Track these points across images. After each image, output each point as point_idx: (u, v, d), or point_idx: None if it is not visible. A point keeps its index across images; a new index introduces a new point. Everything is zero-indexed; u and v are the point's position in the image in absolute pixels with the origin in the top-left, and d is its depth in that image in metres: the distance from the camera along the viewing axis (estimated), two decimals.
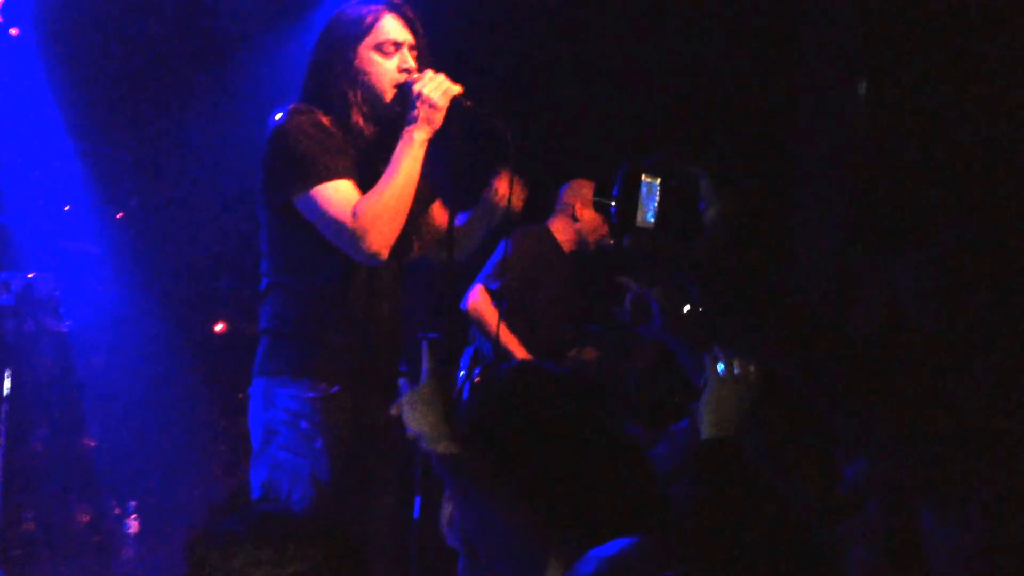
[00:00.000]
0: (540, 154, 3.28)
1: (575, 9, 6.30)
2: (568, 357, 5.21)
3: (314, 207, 2.92)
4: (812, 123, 5.52)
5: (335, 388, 2.97)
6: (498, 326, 4.97)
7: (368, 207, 2.90)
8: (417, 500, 3.17)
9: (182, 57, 7.06)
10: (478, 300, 5.04)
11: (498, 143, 3.04)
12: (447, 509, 2.31)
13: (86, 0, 6.69)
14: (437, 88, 2.93)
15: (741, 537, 2.12)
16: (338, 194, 2.92)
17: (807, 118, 5.55)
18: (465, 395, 5.09)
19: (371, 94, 3.03)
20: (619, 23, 6.26)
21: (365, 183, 2.99)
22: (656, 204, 1.60)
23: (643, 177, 1.61)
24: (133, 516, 5.78)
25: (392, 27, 3.06)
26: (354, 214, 2.89)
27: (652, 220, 1.60)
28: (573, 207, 5.31)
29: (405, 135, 2.94)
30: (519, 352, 4.98)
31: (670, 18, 6.10)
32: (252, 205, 3.11)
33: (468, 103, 2.99)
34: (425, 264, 3.40)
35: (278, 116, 3.03)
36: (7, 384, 4.87)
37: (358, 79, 3.02)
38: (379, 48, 3.03)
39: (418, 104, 2.93)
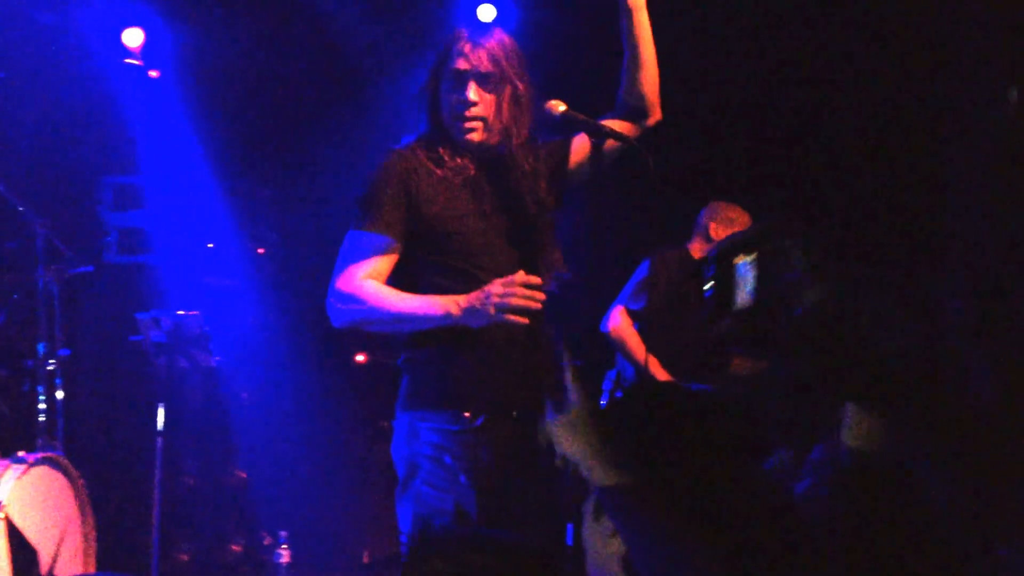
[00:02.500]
0: (681, 177, 3.19)
1: (704, 25, 6.23)
2: (716, 375, 5.10)
3: (343, 245, 2.99)
4: (963, 130, 5.36)
5: (478, 421, 2.93)
6: (639, 348, 4.89)
7: (358, 294, 2.92)
8: (569, 528, 3.08)
9: (318, 93, 7.20)
10: (619, 322, 4.99)
11: (639, 166, 2.98)
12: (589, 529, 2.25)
13: (222, 41, 6.88)
14: (487, 302, 2.83)
15: (888, 552, 2.02)
16: (358, 246, 2.96)
17: (958, 125, 5.39)
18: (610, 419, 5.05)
19: (444, 122, 3.04)
20: (753, 35, 6.16)
21: (454, 210, 2.97)
22: (753, 283, 1.50)
23: (738, 257, 1.51)
24: (284, 546, 5.85)
25: (459, 57, 3.02)
26: (350, 282, 2.93)
27: (750, 299, 1.50)
28: (708, 228, 5.23)
29: (448, 301, 2.88)
30: (661, 374, 4.90)
31: (815, 29, 5.99)
32: None
33: (608, 134, 2.95)
34: (565, 289, 3.34)
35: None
36: (161, 419, 4.98)
37: (436, 109, 3.06)
38: (447, 80, 3.02)
39: (469, 303, 2.85)
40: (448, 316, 2.86)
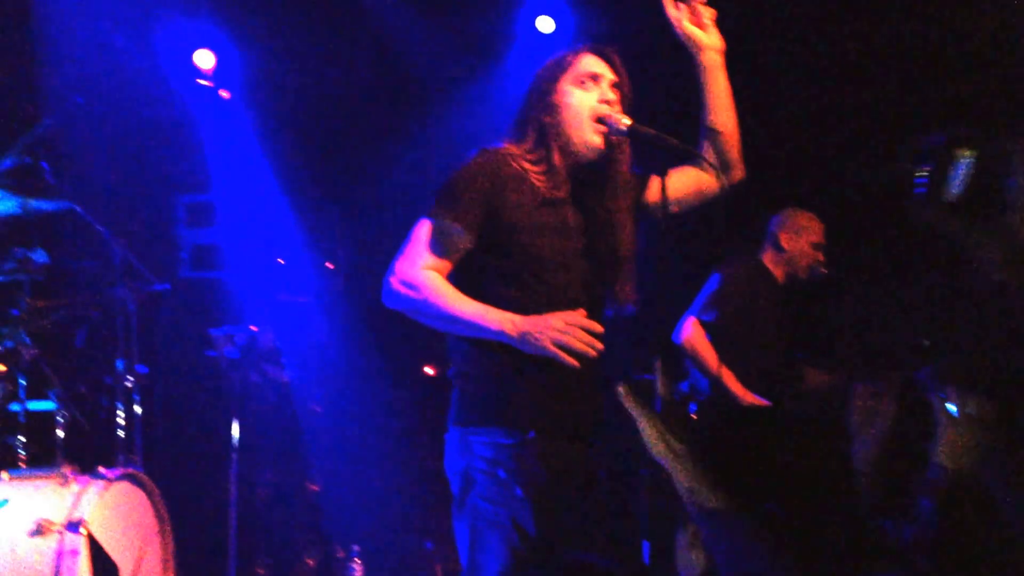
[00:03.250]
0: (750, 187, 3.15)
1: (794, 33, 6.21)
2: (790, 389, 5.05)
3: (412, 229, 2.96)
4: None
5: (530, 434, 2.90)
6: (713, 360, 4.85)
7: (417, 282, 2.89)
8: (646, 545, 3.07)
9: (382, 109, 7.26)
10: (691, 334, 4.94)
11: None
12: (683, 542, 2.23)
13: (288, 60, 6.98)
14: (544, 332, 2.81)
15: (980, 567, 1.99)
16: (428, 233, 2.92)
17: None
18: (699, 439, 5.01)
19: (568, 124, 3.01)
20: (821, 36, 6.11)
21: (536, 222, 2.96)
22: (965, 179, 1.47)
23: (959, 151, 1.48)
24: (357, 560, 5.89)
25: (591, 62, 3.06)
26: (412, 267, 2.90)
27: (957, 194, 1.47)
28: (779, 237, 5.18)
29: (505, 318, 2.85)
30: (735, 386, 4.85)
31: (878, 30, 5.93)
32: None
33: (675, 148, 2.93)
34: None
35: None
36: (236, 434, 5.04)
37: (556, 111, 3.02)
38: (577, 81, 3.04)
39: (526, 327, 2.83)
40: (501, 333, 2.83)
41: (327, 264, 7.12)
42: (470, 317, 2.85)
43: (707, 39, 3.09)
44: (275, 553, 6.10)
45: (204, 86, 6.60)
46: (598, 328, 2.79)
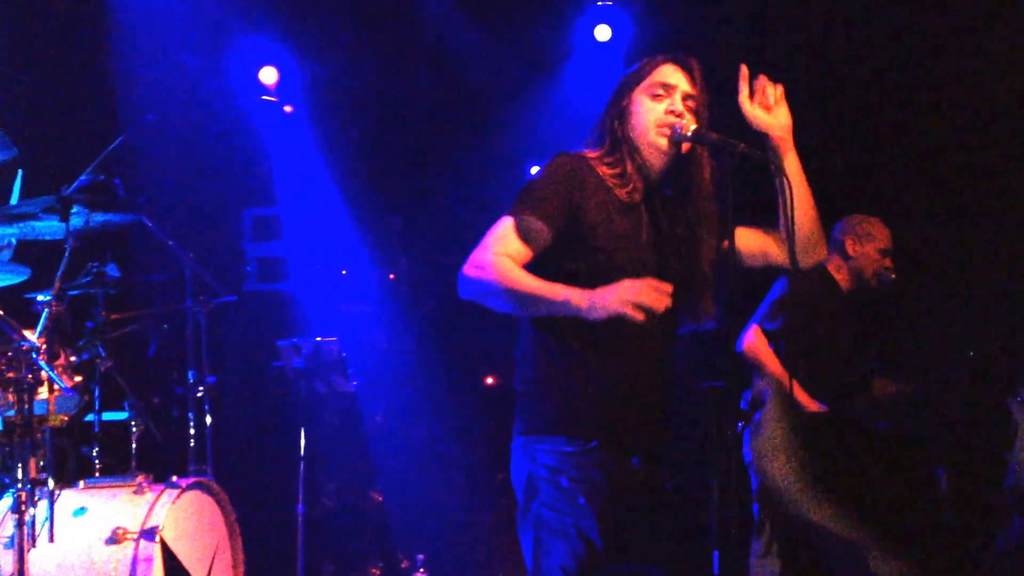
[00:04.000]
0: (818, 192, 3.14)
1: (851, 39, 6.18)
2: (857, 398, 5.01)
3: (491, 227, 2.95)
4: None
5: (592, 443, 2.92)
6: (777, 369, 4.83)
7: (489, 263, 2.87)
8: (715, 555, 3.07)
9: (442, 121, 7.32)
10: (754, 342, 4.92)
11: (775, 184, 2.95)
12: (758, 551, 2.24)
13: (349, 75, 7.07)
14: (611, 296, 2.77)
15: None
16: (507, 227, 2.92)
17: None
18: (746, 440, 5.00)
19: (636, 133, 3.03)
20: (892, 44, 6.08)
21: (614, 230, 2.96)
22: None
23: None
24: (421, 570, 5.94)
25: (666, 73, 3.06)
26: (486, 253, 2.89)
27: None
28: (844, 244, 5.13)
29: (573, 290, 2.83)
30: (799, 395, 4.82)
31: (950, 37, 5.89)
32: None
33: (741, 153, 2.90)
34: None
35: (534, 170, 3.06)
36: (303, 443, 5.11)
37: (627, 120, 3.04)
38: (650, 91, 3.05)
39: (594, 296, 2.79)
40: (568, 304, 2.79)
41: (390, 275, 7.19)
42: (539, 291, 2.83)
43: (773, 120, 3.02)
44: (340, 562, 6.17)
45: (268, 102, 6.72)
46: (667, 288, 2.75)
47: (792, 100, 3.10)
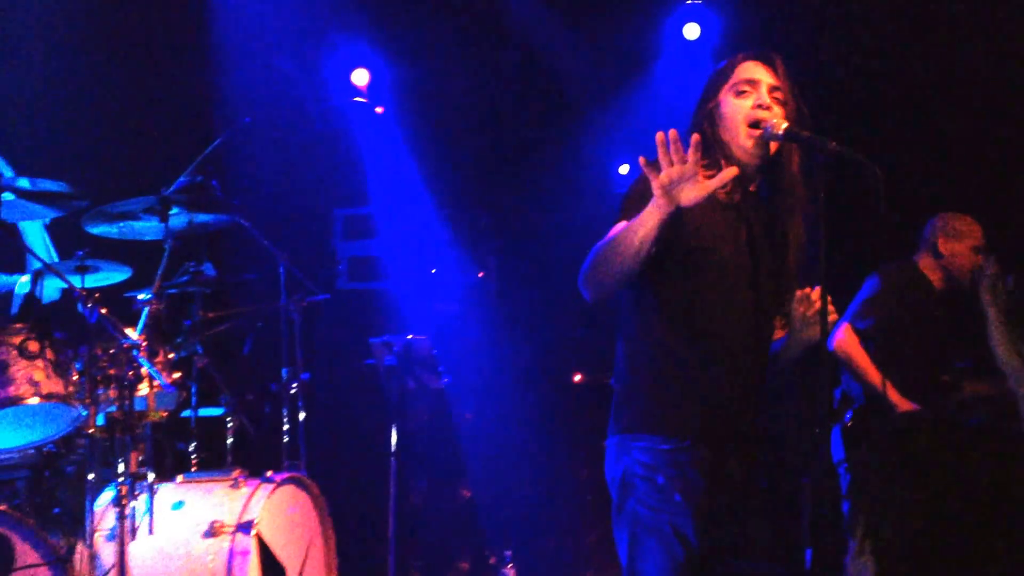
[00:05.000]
0: (903, 189, 3.10)
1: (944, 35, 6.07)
2: (948, 398, 4.92)
3: None
4: None
5: (687, 442, 2.92)
6: (868, 367, 4.77)
7: (590, 255, 2.86)
8: (808, 553, 3.05)
9: (531, 120, 7.35)
10: (844, 340, 4.87)
11: (866, 184, 2.91)
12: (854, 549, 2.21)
13: (439, 75, 7.14)
14: (655, 190, 2.73)
15: None
16: (614, 234, 2.90)
17: None
18: (836, 439, 4.95)
19: (726, 132, 3.01)
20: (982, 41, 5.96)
21: (714, 230, 2.95)
22: None
23: None
24: (510, 565, 5.97)
25: (749, 69, 3.04)
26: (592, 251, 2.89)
27: None
28: (935, 242, 5.05)
29: (651, 204, 2.78)
30: (891, 393, 4.76)
31: None
32: None
33: (836, 152, 2.86)
34: None
35: (623, 169, 3.04)
36: (394, 439, 5.18)
37: (716, 120, 3.03)
38: (735, 89, 3.03)
39: (659, 190, 2.73)
40: (654, 209, 2.74)
41: (478, 273, 7.24)
42: (630, 224, 2.80)
43: (805, 330, 2.99)
44: (429, 557, 6.23)
45: (360, 103, 6.82)
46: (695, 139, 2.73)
47: (885, 96, 3.06)
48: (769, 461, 3.15)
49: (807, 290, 2.94)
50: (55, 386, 3.91)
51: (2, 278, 4.92)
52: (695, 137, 2.72)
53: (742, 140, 2.98)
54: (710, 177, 2.93)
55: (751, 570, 2.99)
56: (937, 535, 4.35)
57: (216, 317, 4.98)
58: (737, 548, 2.97)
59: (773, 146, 2.99)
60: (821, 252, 2.86)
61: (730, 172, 2.78)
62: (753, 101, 2.99)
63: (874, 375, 4.79)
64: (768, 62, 3.04)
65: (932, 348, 5.00)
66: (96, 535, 4.09)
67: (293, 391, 5.05)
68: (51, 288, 4.91)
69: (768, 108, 2.97)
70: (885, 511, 4.69)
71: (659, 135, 2.70)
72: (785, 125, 2.93)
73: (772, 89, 3.01)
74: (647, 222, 2.74)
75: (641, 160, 2.72)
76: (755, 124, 2.96)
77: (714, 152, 2.99)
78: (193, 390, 4.84)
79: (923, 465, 4.69)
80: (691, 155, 2.69)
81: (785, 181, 3.04)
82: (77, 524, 4.12)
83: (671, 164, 2.69)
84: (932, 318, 5.01)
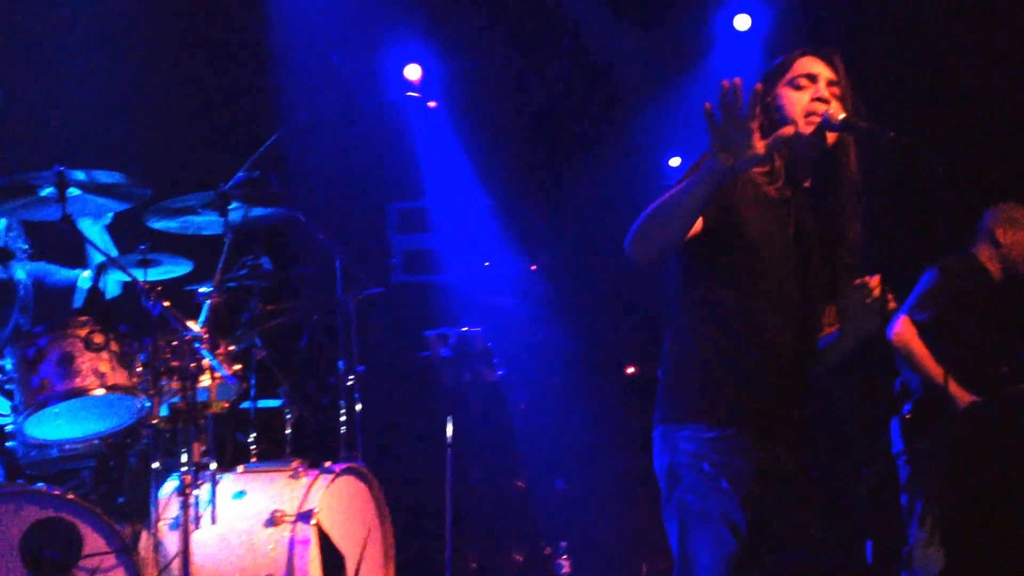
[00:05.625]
0: (959, 182, 3.07)
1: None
2: (1008, 390, 4.87)
3: None
4: None
5: (731, 430, 2.91)
6: (928, 359, 4.74)
7: (639, 218, 2.80)
8: (868, 545, 3.04)
9: (583, 111, 7.36)
10: (903, 332, 4.84)
11: (923, 175, 2.90)
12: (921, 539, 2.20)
13: (490, 68, 7.17)
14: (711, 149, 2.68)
15: None
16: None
17: None
18: (895, 430, 4.92)
19: (783, 126, 3.01)
20: None
21: (765, 226, 2.94)
22: None
23: None
24: (564, 556, 5.99)
25: (807, 63, 3.03)
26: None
27: None
28: (994, 232, 5.00)
29: (707, 164, 2.73)
30: (952, 387, 4.71)
31: None
32: None
33: (895, 140, 2.84)
34: None
35: (674, 161, 3.03)
36: (450, 431, 5.22)
37: (774, 116, 3.02)
38: (792, 83, 3.02)
39: (713, 149, 2.67)
40: (709, 168, 2.69)
41: (531, 266, 7.27)
42: (686, 182, 2.76)
43: (862, 320, 2.99)
44: (484, 548, 6.27)
45: (413, 98, 6.87)
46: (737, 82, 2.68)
47: (940, 88, 3.04)
48: (823, 452, 3.14)
49: (866, 279, 2.93)
50: (120, 377, 3.99)
51: (64, 272, 5.03)
52: (757, 86, 2.69)
53: (801, 129, 2.96)
54: (764, 175, 2.94)
55: (806, 560, 2.98)
56: (1002, 527, 4.31)
57: (274, 310, 5.04)
58: (790, 538, 2.96)
59: (830, 139, 2.99)
60: (877, 242, 2.86)
61: (787, 130, 2.76)
62: (811, 94, 2.98)
63: (934, 368, 4.76)
64: (826, 57, 3.03)
65: (992, 339, 4.95)
66: (160, 523, 4.18)
67: (350, 383, 5.10)
68: (112, 283, 5.02)
69: (827, 102, 2.96)
70: (951, 503, 4.66)
71: (724, 82, 2.65)
72: (843, 115, 2.92)
73: (830, 83, 3.00)
74: (702, 182, 2.71)
75: (706, 106, 2.70)
76: (812, 115, 2.94)
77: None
78: (252, 382, 4.92)
79: (986, 457, 4.66)
80: (750, 107, 2.64)
81: (841, 175, 3.03)
82: (141, 513, 4.21)
83: (730, 114, 2.64)
84: (992, 309, 4.97)
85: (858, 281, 2.93)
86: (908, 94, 6.11)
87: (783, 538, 2.95)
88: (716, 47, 7.14)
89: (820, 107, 2.95)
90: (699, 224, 2.89)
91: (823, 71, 3.01)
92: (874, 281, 2.90)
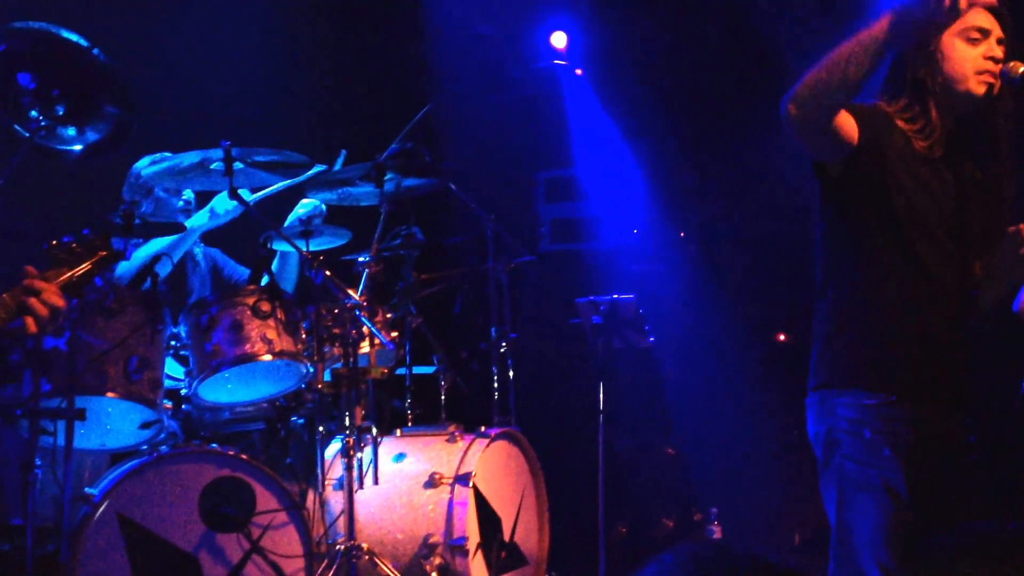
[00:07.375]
0: None
1: None
2: None
3: None
4: None
5: (892, 396, 2.84)
6: None
7: (802, 75, 2.69)
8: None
9: (735, 76, 7.25)
10: None
11: None
12: None
13: (639, 32, 7.12)
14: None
15: None
16: None
17: None
18: None
19: (951, 80, 2.90)
20: None
21: (927, 184, 2.87)
22: None
23: None
24: (715, 523, 5.98)
25: (981, 17, 2.92)
26: None
27: None
28: None
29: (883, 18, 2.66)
30: None
31: None
32: (809, 214, 3.09)
33: None
34: None
35: None
36: (601, 397, 5.26)
37: (937, 65, 2.93)
38: (965, 35, 2.93)
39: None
40: (884, 24, 2.64)
41: (680, 233, 7.24)
42: (856, 36, 2.68)
43: (1015, 270, 2.94)
44: (635, 513, 6.29)
45: (560, 66, 6.89)
46: None
47: None
48: (982, 416, 3.06)
49: (1021, 226, 2.85)
50: (286, 344, 4.15)
51: (239, 269, 5.15)
52: None
53: (970, 88, 2.88)
54: (918, 132, 2.87)
55: (971, 529, 2.92)
56: None
57: (427, 279, 5.16)
58: (955, 507, 2.91)
59: (994, 89, 2.90)
60: None
61: None
62: (983, 51, 2.88)
63: None
64: (997, 15, 2.93)
65: None
66: (326, 483, 4.35)
67: (502, 350, 5.19)
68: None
69: (999, 61, 2.87)
70: None
71: None
72: (1023, 69, 2.84)
73: (999, 41, 2.91)
74: (871, 30, 2.66)
75: None
76: (985, 72, 2.86)
77: (925, 97, 2.92)
78: (407, 348, 5.05)
79: None
80: None
81: (998, 130, 2.93)
82: (307, 473, 4.39)
83: None
84: None
85: (1011, 229, 2.86)
86: None
87: (949, 508, 2.90)
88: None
89: (993, 66, 2.86)
90: (854, 132, 2.78)
91: (995, 28, 2.91)
92: None
